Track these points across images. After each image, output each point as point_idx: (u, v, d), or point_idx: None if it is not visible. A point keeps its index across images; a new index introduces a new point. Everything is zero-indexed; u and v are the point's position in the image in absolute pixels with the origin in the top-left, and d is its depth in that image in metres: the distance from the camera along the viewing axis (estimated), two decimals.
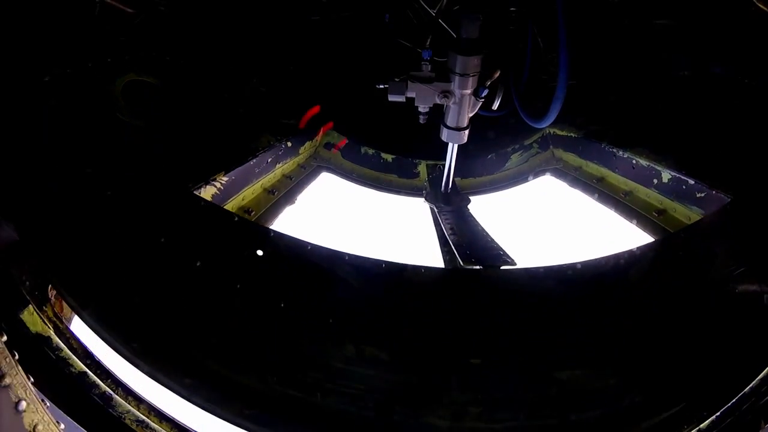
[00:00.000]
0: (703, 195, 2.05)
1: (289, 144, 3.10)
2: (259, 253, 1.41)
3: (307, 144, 3.37)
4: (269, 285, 1.44)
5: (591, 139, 2.89)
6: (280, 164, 3.00)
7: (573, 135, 3.08)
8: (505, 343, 1.35)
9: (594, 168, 2.87)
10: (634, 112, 2.72)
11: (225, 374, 1.35)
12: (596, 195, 2.78)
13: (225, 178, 2.33)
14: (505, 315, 1.38)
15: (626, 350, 1.33)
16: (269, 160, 2.85)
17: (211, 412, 1.34)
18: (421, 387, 1.31)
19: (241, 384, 1.34)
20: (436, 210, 3.05)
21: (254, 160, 2.65)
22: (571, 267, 1.39)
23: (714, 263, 1.38)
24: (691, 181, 2.10)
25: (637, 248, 1.44)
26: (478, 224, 2.76)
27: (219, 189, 2.32)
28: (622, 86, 2.80)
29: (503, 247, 2.25)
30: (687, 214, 2.13)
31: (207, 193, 2.20)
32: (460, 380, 1.31)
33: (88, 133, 1.68)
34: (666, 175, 2.27)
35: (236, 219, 1.50)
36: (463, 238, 2.51)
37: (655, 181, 2.34)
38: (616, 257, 1.40)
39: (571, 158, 3.13)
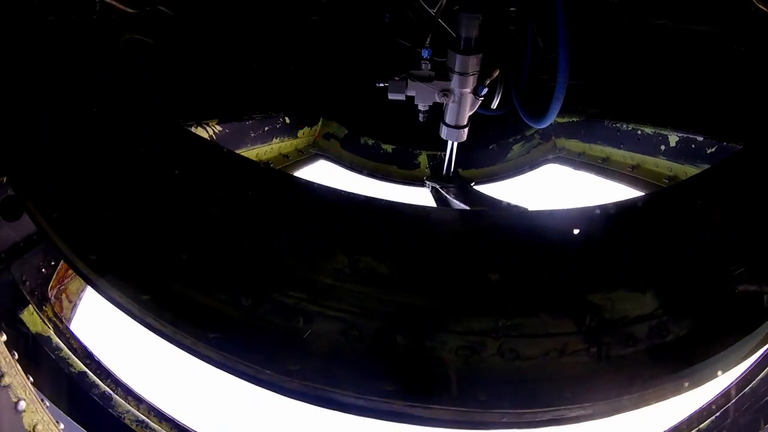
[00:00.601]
0: (713, 149, 2.01)
1: (287, 120, 3.08)
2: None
3: (306, 129, 3.36)
4: (253, 197, 1.26)
5: (593, 120, 2.88)
6: (277, 139, 2.99)
7: (575, 120, 3.08)
8: (528, 262, 1.15)
9: (598, 149, 2.85)
10: (633, 84, 2.70)
11: (190, 294, 1.12)
12: (603, 175, 2.78)
13: (218, 127, 2.29)
14: (524, 242, 1.18)
15: (666, 275, 1.12)
16: (266, 129, 2.82)
17: (165, 338, 1.14)
18: (429, 311, 1.09)
19: (207, 306, 1.11)
20: (438, 187, 3.01)
21: (250, 122, 2.63)
22: (595, 207, 1.22)
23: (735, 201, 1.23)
24: (700, 138, 2.08)
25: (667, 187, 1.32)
26: (485, 193, 2.74)
27: (210, 137, 2.26)
28: (619, 63, 2.78)
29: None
30: None
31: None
32: (477, 303, 1.10)
33: (81, 64, 1.54)
34: (673, 138, 2.25)
35: (225, 150, 1.36)
36: (468, 198, 2.47)
37: (663, 147, 2.31)
38: (640, 197, 1.26)
39: (574, 144, 3.12)
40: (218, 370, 1.12)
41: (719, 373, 1.09)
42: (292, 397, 1.09)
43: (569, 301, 1.10)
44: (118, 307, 1.18)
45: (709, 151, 2.04)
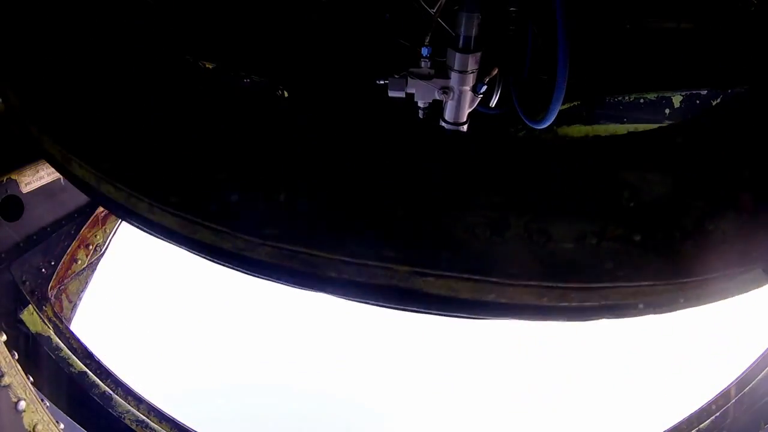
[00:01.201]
0: (719, 100, 2.01)
1: (285, 95, 3.07)
2: None
3: None
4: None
5: (593, 98, 2.89)
6: None
7: (575, 104, 3.08)
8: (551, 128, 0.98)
9: (601, 129, 2.85)
10: (629, 59, 2.71)
11: (160, 166, 0.95)
12: None
13: None
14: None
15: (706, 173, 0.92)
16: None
17: (118, 208, 0.98)
18: (435, 178, 0.88)
19: (176, 178, 0.93)
20: None
21: (248, 80, 2.61)
22: None
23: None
24: (704, 92, 2.07)
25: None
26: None
27: None
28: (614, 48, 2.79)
29: None
30: None
31: None
32: (495, 171, 0.89)
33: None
34: (677, 99, 2.24)
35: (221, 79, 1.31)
36: None
37: (667, 110, 2.30)
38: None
39: (576, 130, 3.11)
40: (169, 244, 0.94)
41: None
42: (260, 274, 0.88)
43: (602, 175, 0.89)
44: (71, 179, 1.06)
45: (714, 103, 2.04)
